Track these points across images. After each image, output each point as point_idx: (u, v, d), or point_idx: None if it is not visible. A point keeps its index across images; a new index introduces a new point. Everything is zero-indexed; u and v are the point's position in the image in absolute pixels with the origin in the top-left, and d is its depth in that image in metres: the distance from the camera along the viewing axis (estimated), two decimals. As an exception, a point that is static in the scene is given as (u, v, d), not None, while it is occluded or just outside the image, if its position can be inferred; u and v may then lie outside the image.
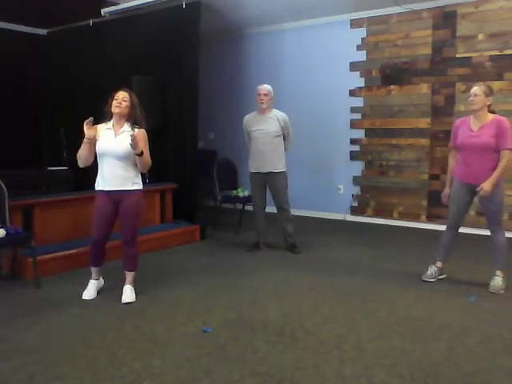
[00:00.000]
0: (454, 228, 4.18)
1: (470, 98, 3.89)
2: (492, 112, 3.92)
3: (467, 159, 3.96)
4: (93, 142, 3.66)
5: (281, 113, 5.24)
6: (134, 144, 3.50)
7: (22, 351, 2.89)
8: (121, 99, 3.64)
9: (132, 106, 3.67)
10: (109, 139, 3.65)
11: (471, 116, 4.00)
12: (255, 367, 2.70)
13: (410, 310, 3.57)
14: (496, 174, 3.81)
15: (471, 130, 3.92)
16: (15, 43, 7.12)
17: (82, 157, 3.70)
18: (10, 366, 2.70)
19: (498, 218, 3.96)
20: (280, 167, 5.20)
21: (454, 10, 6.27)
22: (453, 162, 4.16)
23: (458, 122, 4.14)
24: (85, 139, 3.62)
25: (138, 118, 3.73)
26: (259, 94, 5.16)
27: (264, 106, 5.17)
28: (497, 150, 3.84)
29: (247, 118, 5.37)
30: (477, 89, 3.87)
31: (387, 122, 6.89)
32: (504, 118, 3.88)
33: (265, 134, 5.16)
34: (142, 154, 3.60)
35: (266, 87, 5.18)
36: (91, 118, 3.61)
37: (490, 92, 3.86)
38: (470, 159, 3.94)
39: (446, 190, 4.16)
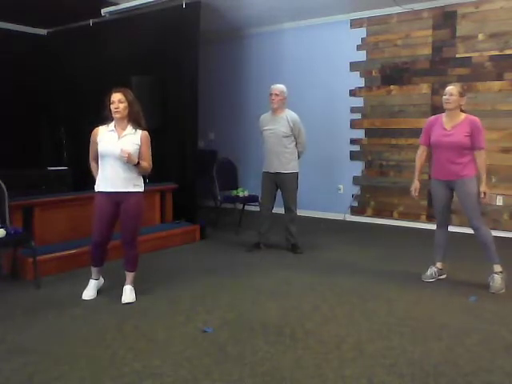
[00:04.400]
0: (443, 226, 4.24)
1: (446, 97, 3.95)
2: (462, 111, 4.00)
3: (441, 157, 4.03)
4: None
5: (292, 113, 5.23)
6: (127, 160, 3.57)
7: (22, 351, 2.89)
8: (117, 102, 3.61)
9: (129, 104, 3.65)
10: (112, 141, 3.65)
11: (443, 114, 4.06)
12: (255, 367, 2.70)
13: (410, 310, 3.57)
14: (483, 176, 3.92)
15: (444, 129, 3.99)
16: (15, 43, 7.11)
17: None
18: (10, 366, 2.70)
19: (477, 214, 3.99)
20: (289, 168, 5.19)
21: (454, 10, 6.27)
22: (421, 156, 4.23)
23: (431, 119, 4.20)
24: None
25: (138, 115, 3.71)
26: (271, 94, 5.16)
27: (275, 105, 5.17)
28: (470, 149, 3.93)
29: (262, 117, 5.39)
30: (452, 88, 3.94)
31: (387, 122, 6.89)
32: (477, 118, 3.97)
33: (274, 133, 5.17)
34: (138, 163, 3.65)
35: (278, 87, 5.17)
36: None
37: (463, 92, 3.96)
38: (444, 157, 4.00)
39: (416, 184, 4.24)
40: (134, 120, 3.70)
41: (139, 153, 3.71)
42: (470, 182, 3.95)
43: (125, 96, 3.64)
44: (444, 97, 3.97)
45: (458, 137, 3.92)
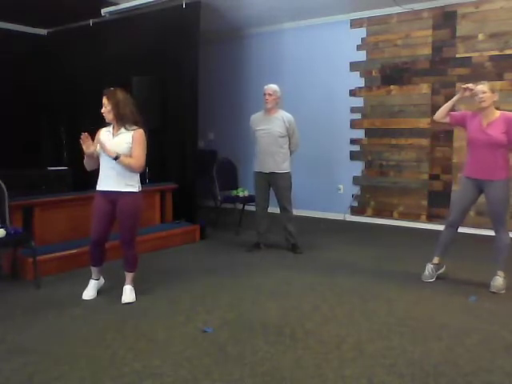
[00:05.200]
0: (454, 226, 4.20)
1: (480, 96, 3.91)
2: (497, 109, 3.98)
3: (476, 155, 3.99)
4: (94, 154, 3.68)
5: (287, 114, 5.23)
6: (104, 151, 3.57)
7: (22, 351, 2.89)
8: (103, 107, 3.64)
9: (114, 106, 3.61)
10: (107, 141, 3.67)
11: (480, 113, 4.01)
12: (255, 367, 2.70)
13: (410, 310, 3.57)
14: None
15: (481, 126, 3.96)
16: (15, 43, 7.11)
17: (88, 165, 3.80)
18: (10, 366, 2.70)
19: (502, 218, 3.97)
20: (283, 168, 5.20)
21: (454, 10, 6.27)
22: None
23: (471, 112, 4.14)
24: (85, 154, 3.67)
25: (126, 116, 3.65)
26: (264, 94, 5.17)
27: (268, 105, 5.17)
28: (506, 147, 3.90)
29: (253, 117, 5.38)
30: (483, 86, 3.92)
31: (387, 122, 6.89)
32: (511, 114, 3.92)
33: (269, 134, 5.16)
34: (117, 158, 3.59)
35: (271, 87, 5.17)
36: (86, 134, 3.61)
37: (493, 89, 3.95)
38: (479, 155, 3.97)
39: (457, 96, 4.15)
40: (124, 120, 3.65)
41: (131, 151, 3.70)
42: (502, 185, 3.91)
43: (108, 99, 3.61)
44: (477, 97, 3.92)
45: (494, 134, 3.87)
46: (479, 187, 4.01)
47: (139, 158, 3.69)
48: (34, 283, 4.05)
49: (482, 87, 3.92)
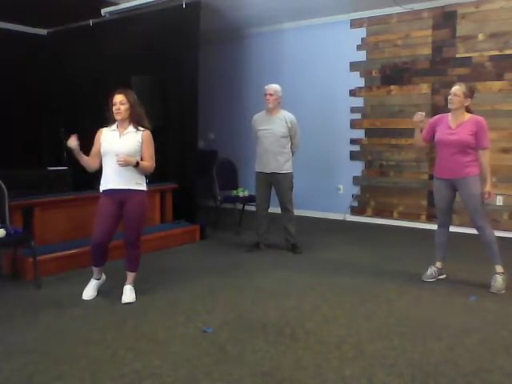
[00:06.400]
0: (444, 226, 4.25)
1: (450, 97, 3.97)
2: (469, 111, 4.01)
3: (444, 155, 4.05)
4: (78, 151, 3.65)
5: (289, 114, 5.24)
6: (124, 163, 3.56)
7: (22, 351, 2.89)
8: (118, 104, 3.62)
9: (131, 106, 3.65)
10: (113, 140, 3.67)
11: (449, 114, 4.07)
12: (255, 367, 2.70)
13: (410, 310, 3.57)
14: (488, 175, 3.95)
15: (450, 127, 4.01)
16: (15, 43, 7.12)
17: (85, 165, 3.77)
18: (10, 366, 2.70)
19: (481, 214, 3.98)
20: (285, 168, 5.20)
21: (454, 10, 6.28)
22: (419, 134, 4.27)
23: (437, 117, 4.21)
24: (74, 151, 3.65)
25: (140, 116, 3.72)
26: (265, 94, 5.17)
27: (270, 105, 5.17)
28: (473, 148, 3.94)
29: (255, 117, 5.38)
30: (457, 89, 3.95)
31: (387, 121, 6.89)
32: (482, 118, 3.98)
33: (271, 134, 5.16)
34: (137, 164, 3.63)
35: (272, 87, 5.17)
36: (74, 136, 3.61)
37: (469, 94, 3.96)
38: (447, 155, 4.02)
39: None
40: (136, 121, 3.70)
41: (141, 151, 3.72)
42: (473, 181, 3.95)
43: (126, 97, 3.64)
44: (449, 97, 3.99)
45: (463, 135, 3.92)
46: (452, 186, 4.06)
47: (152, 158, 3.76)
48: (34, 283, 4.06)
49: (455, 89, 3.96)
